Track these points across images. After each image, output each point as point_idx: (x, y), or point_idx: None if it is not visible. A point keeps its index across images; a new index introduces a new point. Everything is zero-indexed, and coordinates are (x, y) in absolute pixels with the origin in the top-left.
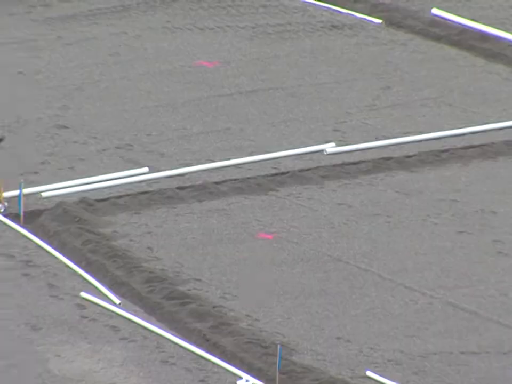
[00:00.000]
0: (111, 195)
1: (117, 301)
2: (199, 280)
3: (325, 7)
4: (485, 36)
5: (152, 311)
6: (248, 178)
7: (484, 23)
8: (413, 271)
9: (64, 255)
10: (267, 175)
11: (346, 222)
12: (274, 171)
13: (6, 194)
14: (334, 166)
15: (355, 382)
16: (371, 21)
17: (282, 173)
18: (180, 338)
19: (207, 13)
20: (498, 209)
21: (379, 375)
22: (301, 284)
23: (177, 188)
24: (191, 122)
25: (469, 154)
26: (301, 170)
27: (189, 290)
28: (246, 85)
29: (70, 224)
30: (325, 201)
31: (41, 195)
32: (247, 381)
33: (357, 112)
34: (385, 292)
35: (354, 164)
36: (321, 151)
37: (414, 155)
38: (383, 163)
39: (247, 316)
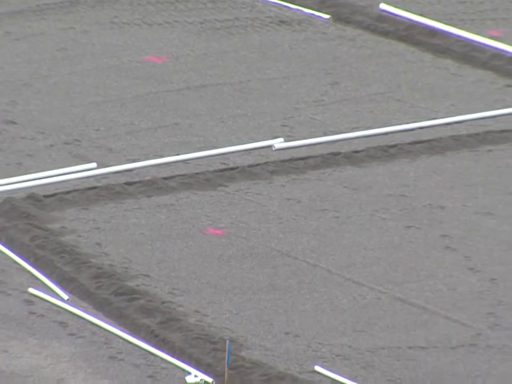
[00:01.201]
0: (59, 191)
1: (65, 297)
2: (148, 275)
3: (273, 2)
4: (433, 31)
5: (100, 306)
6: (197, 173)
7: (431, 18)
8: (361, 266)
9: (12, 250)
10: (216, 171)
11: (295, 217)
12: (223, 166)
13: None
14: (282, 161)
15: (303, 377)
16: (319, 17)
17: (231, 168)
18: (128, 334)
19: (155, 8)
20: (446, 204)
21: (327, 369)
22: (249, 279)
23: (126, 183)
24: (139, 117)
25: (417, 149)
26: (249, 166)
27: (138, 286)
28: (195, 80)
29: (18, 220)
30: (273, 197)
31: None
32: (195, 376)
33: (305, 108)
34: (333, 287)
35: (302, 159)
36: (269, 146)
37: (362, 150)
38: (331, 158)
39: (196, 311)
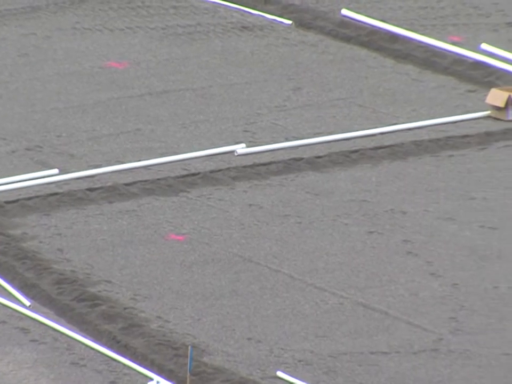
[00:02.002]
0: (21, 197)
1: (27, 303)
2: (110, 281)
3: (235, 8)
4: (394, 37)
5: (62, 312)
6: (159, 179)
7: (393, 24)
8: (324, 271)
9: None
10: (177, 176)
11: (257, 222)
12: (184, 172)
13: None
14: (244, 167)
15: (265, 383)
16: (281, 22)
17: (193, 174)
18: (90, 340)
19: (116, 14)
20: (408, 209)
21: (289, 375)
22: (211, 284)
23: (87, 189)
24: (101, 123)
25: (379, 155)
26: (211, 172)
27: (99, 291)
28: (156, 86)
29: None
30: (235, 202)
31: None
32: (157, 382)
33: (267, 113)
34: (295, 292)
35: (264, 164)
36: (231, 152)
37: (324, 156)
38: (293, 164)
39: (158, 317)
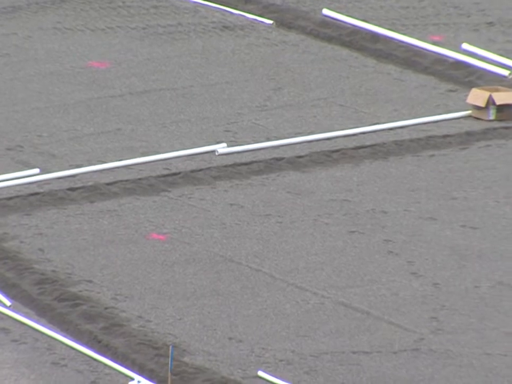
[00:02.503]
0: (1, 196)
1: (8, 303)
2: (91, 281)
3: (216, 8)
4: (375, 36)
5: (43, 312)
6: (140, 179)
7: (374, 24)
8: (305, 271)
9: None
10: (159, 176)
11: (238, 222)
12: (165, 172)
13: None
14: (225, 166)
15: (247, 382)
16: (262, 22)
17: (174, 174)
18: (71, 339)
19: (97, 14)
20: (389, 209)
21: (271, 375)
22: (192, 284)
23: (68, 189)
24: (82, 123)
25: (360, 155)
26: (192, 171)
27: (80, 291)
28: (137, 85)
29: None
30: (216, 202)
31: None
32: (138, 382)
33: (248, 113)
34: (276, 291)
35: (245, 164)
36: (212, 151)
37: (306, 155)
38: (274, 163)
39: (139, 317)
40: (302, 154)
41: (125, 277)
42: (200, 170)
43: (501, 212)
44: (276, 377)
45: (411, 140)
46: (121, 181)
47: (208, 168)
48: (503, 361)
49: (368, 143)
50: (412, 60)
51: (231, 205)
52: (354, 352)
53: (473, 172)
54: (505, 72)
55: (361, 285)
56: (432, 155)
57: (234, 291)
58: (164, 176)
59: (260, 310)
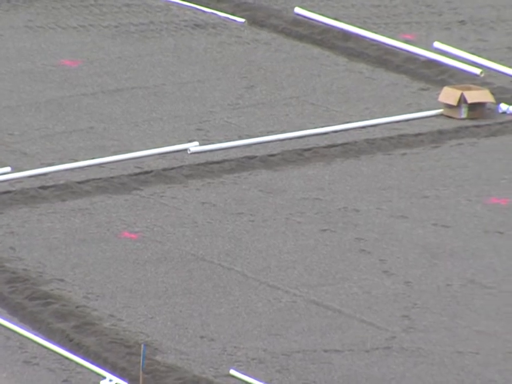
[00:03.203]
0: None
1: None
2: (62, 280)
3: (188, 6)
4: (347, 35)
5: (14, 311)
6: (112, 177)
7: (346, 22)
8: (277, 269)
9: None
10: (131, 174)
11: (210, 221)
12: (137, 170)
13: None
14: (197, 165)
15: (218, 381)
16: (234, 20)
17: (146, 172)
18: (43, 338)
19: (69, 12)
20: (360, 207)
21: (243, 373)
22: (164, 283)
23: (40, 188)
24: (54, 121)
25: (332, 153)
26: (164, 170)
27: (52, 290)
28: (109, 84)
29: None
30: (188, 200)
31: None
32: (110, 380)
33: (220, 111)
34: (248, 290)
35: (218, 162)
36: (185, 150)
37: (278, 154)
38: (246, 162)
39: (111, 315)
40: (274, 152)
41: (97, 276)
42: (172, 168)
43: (473, 211)
44: (248, 375)
45: (383, 139)
46: (93, 179)
47: (180, 167)
48: (475, 359)
49: (339, 142)
50: (383, 58)
51: (203, 203)
52: (326, 351)
53: (445, 170)
54: (477, 71)
55: (333, 283)
56: (404, 153)
57: (206, 290)
58: (136, 174)
59: (231, 308)
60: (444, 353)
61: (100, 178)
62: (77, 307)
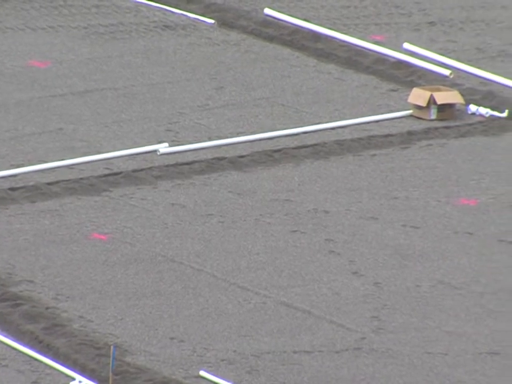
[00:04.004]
0: None
1: None
2: (32, 281)
3: (157, 7)
4: (316, 36)
5: None
6: (81, 179)
7: (315, 23)
8: (246, 270)
9: None
10: (100, 176)
11: (179, 222)
12: (107, 171)
13: None
14: (167, 166)
15: (188, 382)
16: (204, 21)
17: (115, 174)
18: (12, 339)
19: (38, 13)
20: (330, 209)
21: (213, 374)
22: (134, 284)
23: (9, 189)
24: (23, 122)
25: (302, 154)
26: (134, 171)
27: (21, 291)
28: (79, 85)
29: None
30: (158, 202)
31: None
32: (80, 382)
33: (190, 112)
34: (218, 291)
35: (187, 164)
36: (154, 151)
37: (247, 155)
38: (216, 163)
39: (80, 317)
40: (244, 154)
41: (66, 277)
42: (142, 170)
43: (442, 211)
44: (218, 377)
45: (352, 140)
46: (62, 180)
47: (150, 168)
48: (444, 360)
49: (309, 143)
50: (353, 59)
51: (173, 204)
52: (295, 352)
53: (414, 171)
54: (446, 72)
55: (303, 285)
56: (374, 155)
57: (176, 291)
58: (105, 176)
59: (201, 310)
60: (414, 354)
61: (69, 180)
62: (47, 308)
